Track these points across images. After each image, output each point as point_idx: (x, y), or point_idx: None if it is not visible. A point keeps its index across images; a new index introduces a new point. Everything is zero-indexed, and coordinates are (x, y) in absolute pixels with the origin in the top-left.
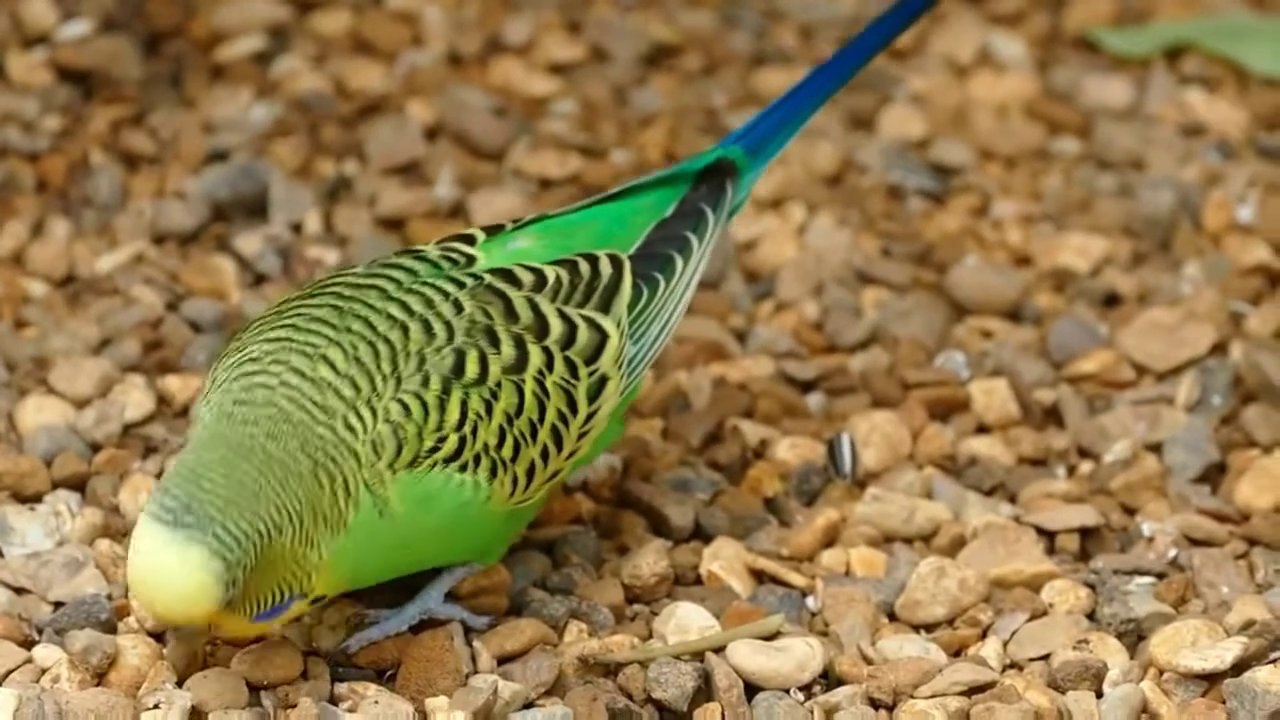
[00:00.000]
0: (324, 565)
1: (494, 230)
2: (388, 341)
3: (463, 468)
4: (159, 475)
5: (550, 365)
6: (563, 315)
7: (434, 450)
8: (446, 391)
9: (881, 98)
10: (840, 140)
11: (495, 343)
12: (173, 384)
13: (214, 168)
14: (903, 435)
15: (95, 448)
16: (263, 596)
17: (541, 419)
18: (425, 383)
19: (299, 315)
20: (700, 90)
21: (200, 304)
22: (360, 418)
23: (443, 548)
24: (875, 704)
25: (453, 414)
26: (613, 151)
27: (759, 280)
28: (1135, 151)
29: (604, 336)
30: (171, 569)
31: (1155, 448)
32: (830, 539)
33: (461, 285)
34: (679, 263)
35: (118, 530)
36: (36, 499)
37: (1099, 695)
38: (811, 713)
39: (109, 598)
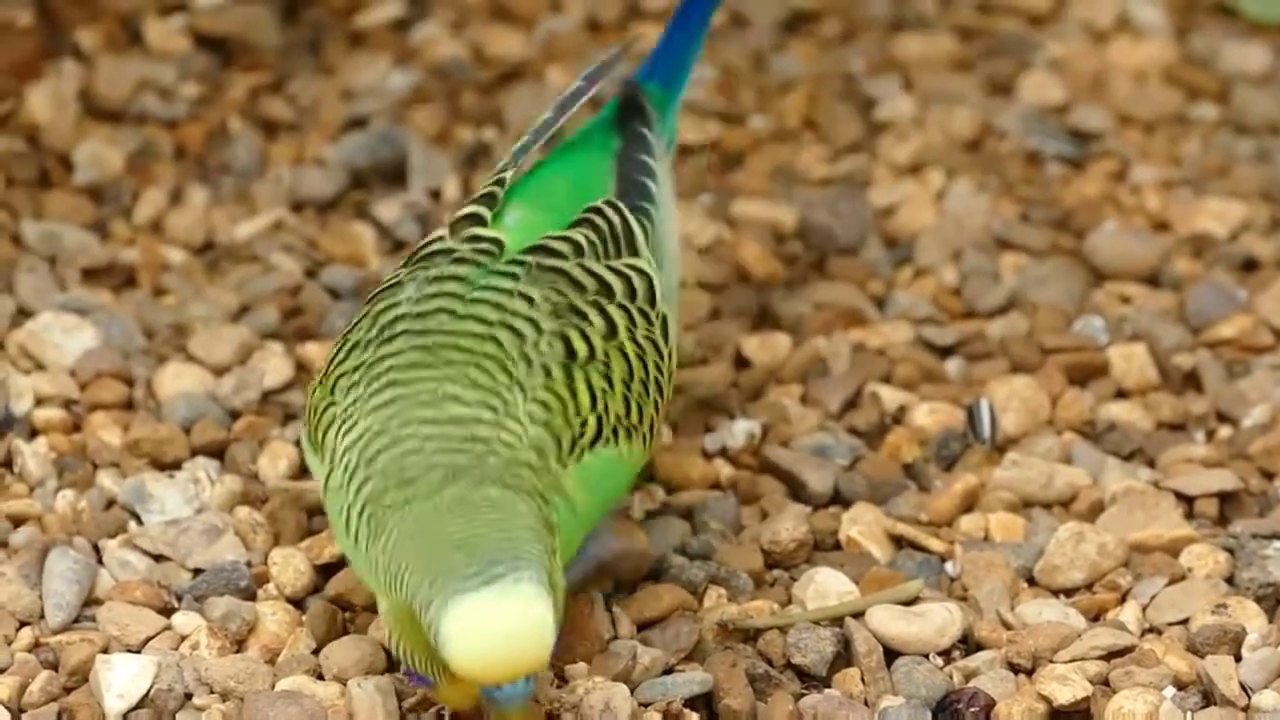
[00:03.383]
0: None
1: (488, 202)
2: (491, 357)
3: (606, 443)
4: (298, 443)
5: (632, 321)
6: (614, 270)
7: (581, 436)
8: (570, 377)
9: (1020, 63)
10: (979, 106)
11: (583, 316)
12: (311, 351)
13: (353, 134)
14: (1041, 400)
15: (234, 415)
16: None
17: (646, 374)
18: (548, 375)
19: (390, 371)
20: (839, 56)
21: (339, 271)
22: (512, 433)
23: (601, 516)
24: (1014, 668)
25: (584, 397)
26: (751, 117)
27: (898, 246)
28: (1273, 117)
29: (649, 277)
30: (523, 616)
31: None
32: (969, 504)
33: (515, 277)
34: (653, 188)
35: (257, 497)
36: (175, 466)
37: (1238, 659)
38: (951, 677)
39: (248, 565)
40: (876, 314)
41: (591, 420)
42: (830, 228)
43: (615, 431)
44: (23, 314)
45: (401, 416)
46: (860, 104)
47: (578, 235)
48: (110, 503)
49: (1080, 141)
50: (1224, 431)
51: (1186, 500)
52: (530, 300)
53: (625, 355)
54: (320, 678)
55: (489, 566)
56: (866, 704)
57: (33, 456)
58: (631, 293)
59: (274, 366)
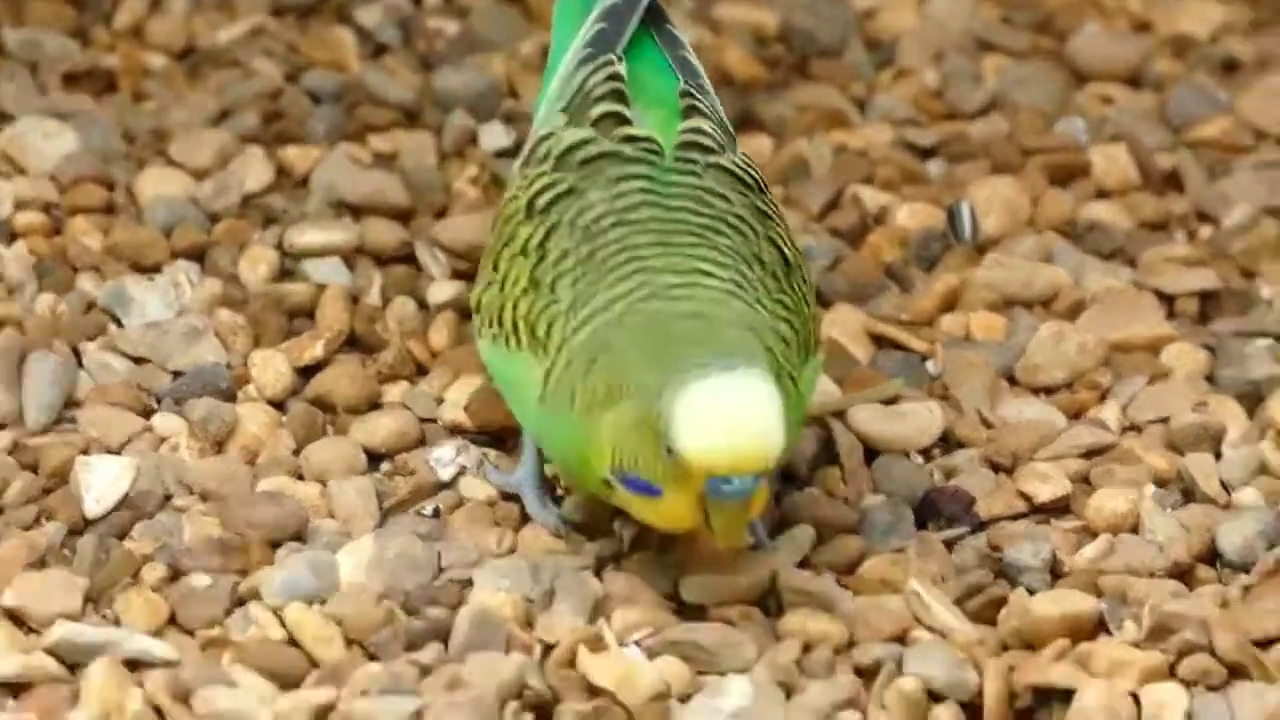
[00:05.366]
0: None
1: (621, 100)
2: (728, 249)
3: (815, 352)
4: (278, 246)
5: (783, 221)
6: (748, 164)
7: (808, 340)
8: (791, 282)
9: None
10: None
11: (775, 219)
12: (292, 154)
13: None
14: (1022, 201)
15: (214, 218)
16: None
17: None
18: (776, 280)
19: (626, 252)
20: None
21: (320, 75)
22: (757, 314)
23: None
24: (994, 466)
25: (803, 304)
26: None
27: (879, 48)
28: None
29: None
30: (757, 405)
31: (1275, 212)
32: (950, 304)
33: (697, 174)
34: (696, 63)
35: (237, 300)
36: (155, 269)
37: (1218, 457)
38: (931, 475)
39: (228, 366)
40: (858, 116)
41: (809, 326)
42: (812, 30)
43: (815, 338)
44: (4, 119)
45: (650, 286)
46: None
47: (712, 129)
48: (90, 306)
49: None
50: (1205, 231)
51: (1167, 299)
52: (727, 199)
53: (799, 259)
54: (300, 478)
55: (725, 357)
56: (847, 502)
57: (13, 260)
58: (764, 189)
59: (254, 171)
